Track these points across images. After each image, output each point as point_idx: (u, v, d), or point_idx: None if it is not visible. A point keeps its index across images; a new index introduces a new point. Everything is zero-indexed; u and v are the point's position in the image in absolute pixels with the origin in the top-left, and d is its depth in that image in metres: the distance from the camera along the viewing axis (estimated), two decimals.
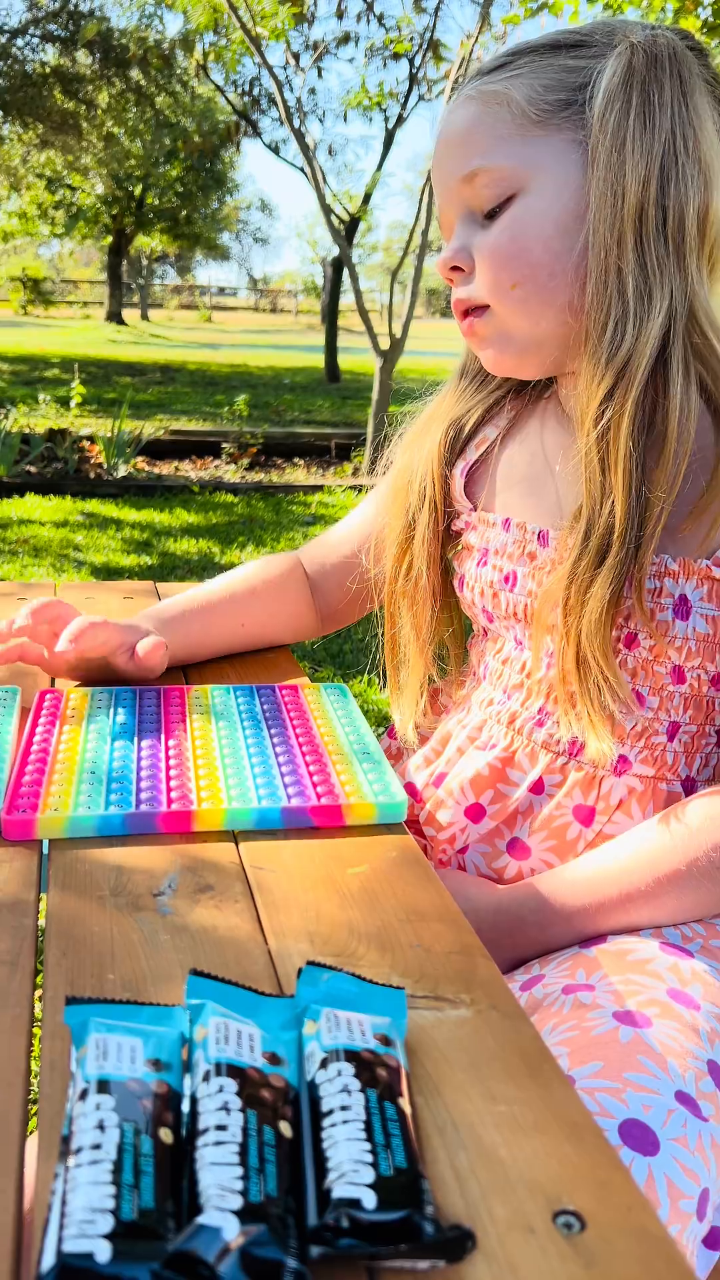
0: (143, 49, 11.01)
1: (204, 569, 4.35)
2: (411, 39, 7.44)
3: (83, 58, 11.68)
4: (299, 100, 7.08)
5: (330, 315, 11.34)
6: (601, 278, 0.77)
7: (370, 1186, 0.40)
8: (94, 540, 4.71)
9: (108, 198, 20.47)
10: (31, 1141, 0.48)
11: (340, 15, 8.21)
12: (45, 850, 0.70)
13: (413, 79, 7.76)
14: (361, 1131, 0.43)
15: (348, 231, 9.65)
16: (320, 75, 9.46)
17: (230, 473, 6.44)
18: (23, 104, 11.59)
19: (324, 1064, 0.47)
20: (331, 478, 6.52)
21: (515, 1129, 0.48)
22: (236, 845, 0.72)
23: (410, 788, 0.97)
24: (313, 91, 9.83)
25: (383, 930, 0.62)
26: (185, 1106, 0.45)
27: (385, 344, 6.43)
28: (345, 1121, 0.43)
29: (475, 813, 0.89)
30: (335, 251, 12.17)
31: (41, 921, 0.62)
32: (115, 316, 21.59)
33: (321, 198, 6.25)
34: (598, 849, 0.83)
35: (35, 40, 11.68)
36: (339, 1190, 0.40)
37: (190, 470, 6.54)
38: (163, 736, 0.85)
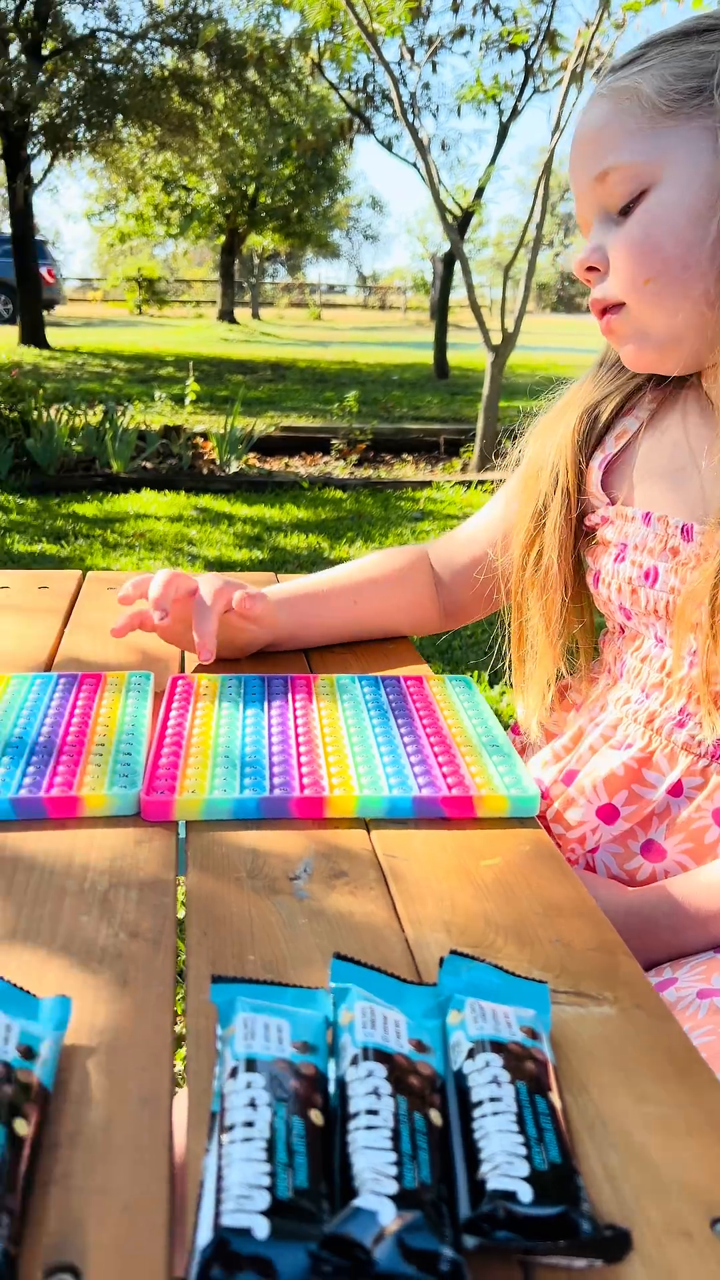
0: (259, 49, 11.14)
1: (313, 564, 4.39)
2: (528, 30, 7.36)
3: (200, 60, 11.88)
4: (413, 96, 7.06)
5: (440, 311, 11.30)
6: None
7: (525, 1180, 0.39)
8: (207, 535, 4.79)
9: (221, 197, 20.79)
10: (179, 1115, 0.49)
11: (456, 9, 8.15)
12: (182, 832, 0.71)
13: (528, 71, 7.67)
14: (514, 1124, 0.42)
15: (460, 226, 9.59)
16: (434, 70, 9.41)
17: (339, 469, 6.48)
18: (141, 107, 11.85)
19: (471, 1054, 0.46)
20: (440, 473, 6.49)
21: (667, 1131, 0.46)
22: (368, 833, 0.71)
23: (536, 783, 0.95)
24: (426, 86, 9.79)
25: (520, 923, 0.61)
26: (332, 1090, 0.45)
27: (497, 339, 6.38)
28: (496, 1113, 0.42)
29: (608, 813, 0.87)
30: (445, 248, 12.12)
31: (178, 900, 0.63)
32: (227, 315, 21.92)
33: (436, 193, 6.22)
34: None
35: (155, 44, 11.93)
36: (494, 1182, 0.39)
37: (300, 466, 6.60)
38: (292, 722, 0.86)
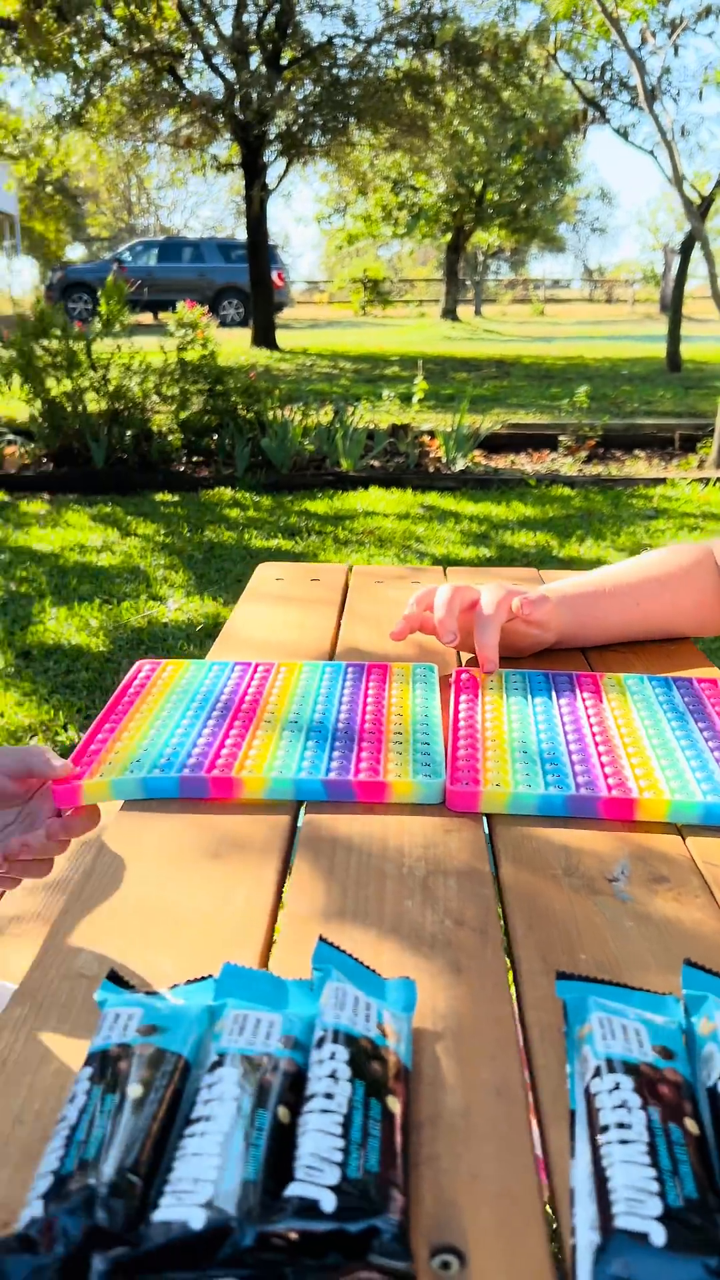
0: (494, 44, 11.08)
1: (541, 562, 4.33)
2: None
3: (433, 59, 11.95)
4: (656, 81, 6.84)
5: (675, 301, 10.90)
6: None
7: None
8: (434, 532, 4.81)
9: (449, 195, 20.85)
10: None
11: None
12: (485, 826, 0.71)
13: None
14: None
15: (700, 213, 9.22)
16: (676, 53, 9.07)
17: (567, 466, 6.37)
18: (374, 110, 12.04)
19: None
20: (675, 470, 6.27)
21: None
22: (683, 839, 0.69)
23: None
24: (667, 70, 9.46)
25: None
26: (701, 1101, 0.43)
27: None
28: None
29: None
30: (679, 238, 11.68)
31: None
32: (450, 313, 21.98)
33: (679, 179, 6.01)
34: None
35: (389, 46, 12.09)
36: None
37: (526, 464, 6.53)
38: (585, 720, 0.84)
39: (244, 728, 0.83)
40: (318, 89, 12.20)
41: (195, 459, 6.16)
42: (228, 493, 5.59)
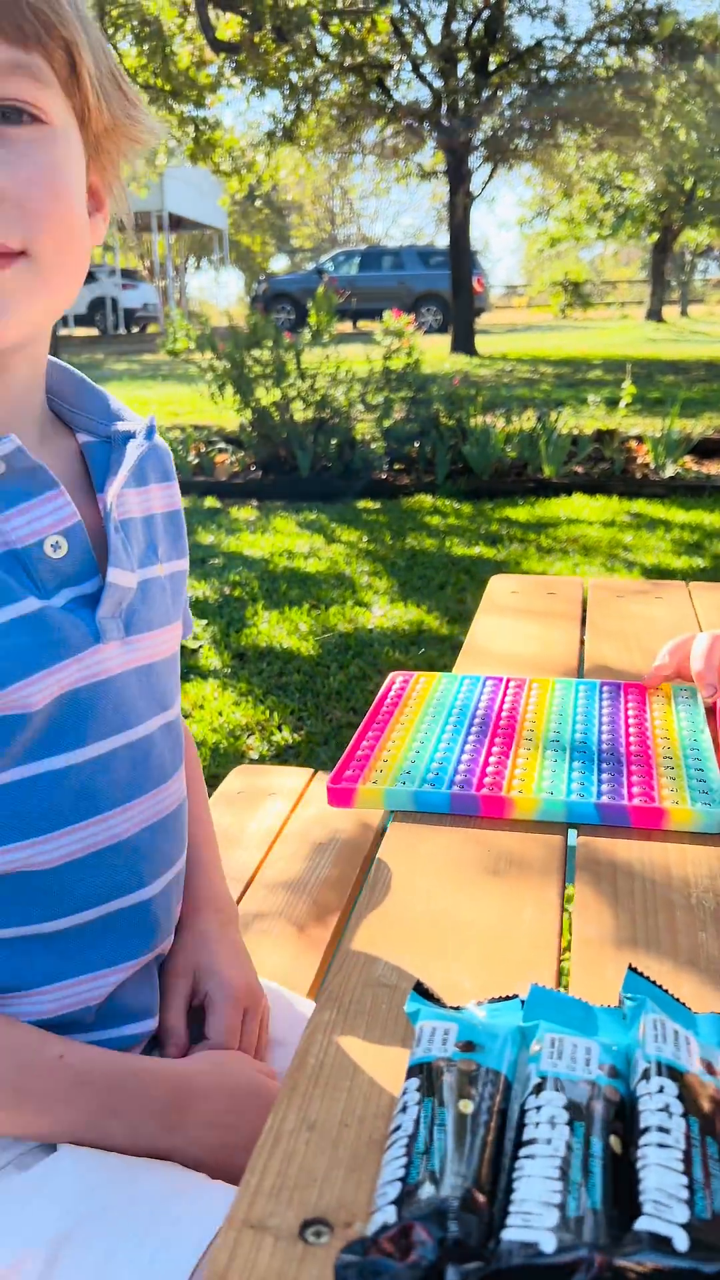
0: (714, 36, 10.71)
1: None
2: None
3: (645, 55, 11.67)
4: None
5: None
6: None
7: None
8: (642, 540, 4.69)
9: (657, 194, 20.28)
10: None
11: None
12: None
13: None
14: None
15: None
16: None
17: None
18: (583, 110, 11.87)
19: None
20: None
21: None
22: None
23: None
24: None
25: None
26: None
27: None
28: None
29: None
30: None
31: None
32: (655, 314, 21.38)
33: None
34: None
35: (600, 45, 11.89)
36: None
37: None
38: None
39: (505, 744, 0.83)
40: (525, 93, 12.12)
41: (396, 466, 6.23)
42: (428, 500, 5.63)
